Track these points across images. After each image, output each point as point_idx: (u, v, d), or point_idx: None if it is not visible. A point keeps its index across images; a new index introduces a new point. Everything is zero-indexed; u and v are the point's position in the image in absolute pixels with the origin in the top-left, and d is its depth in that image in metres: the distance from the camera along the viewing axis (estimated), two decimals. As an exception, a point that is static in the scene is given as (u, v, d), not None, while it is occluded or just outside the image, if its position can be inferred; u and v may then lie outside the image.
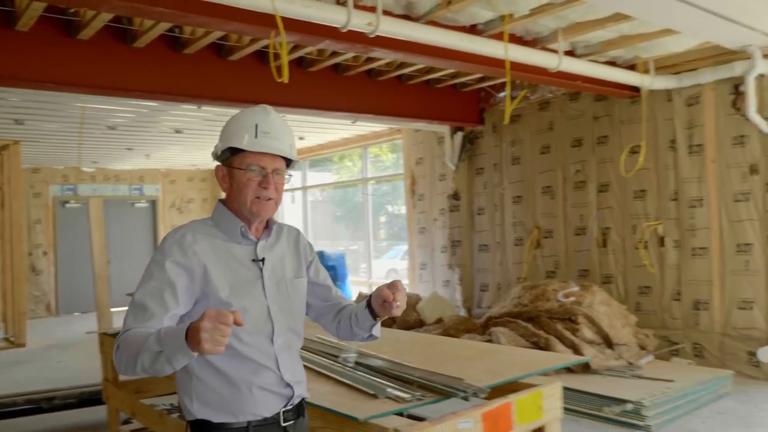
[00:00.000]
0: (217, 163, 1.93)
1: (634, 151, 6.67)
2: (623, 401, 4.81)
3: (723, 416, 4.90)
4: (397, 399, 2.34)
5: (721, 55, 5.90)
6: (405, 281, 9.55)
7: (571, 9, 4.65)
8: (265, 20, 3.73)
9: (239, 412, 1.80)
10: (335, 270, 8.42)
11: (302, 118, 8.16)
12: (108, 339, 4.46)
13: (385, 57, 5.27)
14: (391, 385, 2.49)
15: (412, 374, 2.60)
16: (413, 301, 8.05)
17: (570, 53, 5.86)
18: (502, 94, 7.88)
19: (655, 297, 6.60)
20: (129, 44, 5.37)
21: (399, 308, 1.80)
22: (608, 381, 5.38)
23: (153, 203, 14.02)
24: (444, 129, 8.54)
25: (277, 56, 3.87)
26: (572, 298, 6.11)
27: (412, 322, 7.75)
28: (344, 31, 4.02)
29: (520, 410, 2.39)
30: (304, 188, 12.36)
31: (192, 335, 1.45)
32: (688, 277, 6.33)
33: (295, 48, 5.64)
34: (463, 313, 8.41)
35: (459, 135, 8.47)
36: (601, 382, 5.35)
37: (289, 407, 1.88)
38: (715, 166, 6.12)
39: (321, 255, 8.57)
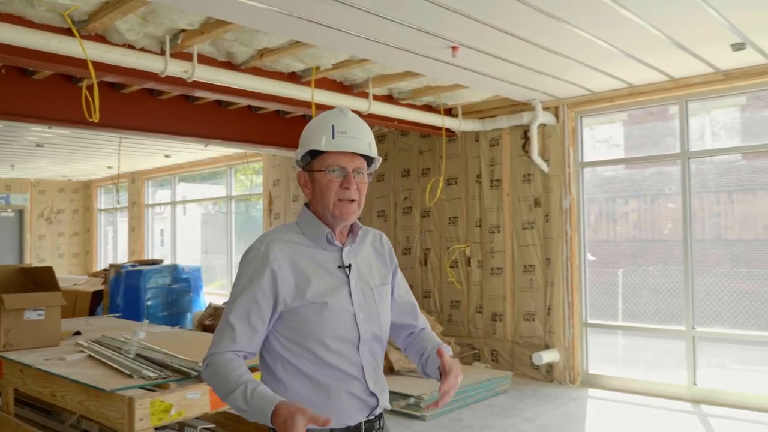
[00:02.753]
0: (299, 170, 1.94)
1: (450, 183, 7.73)
2: (407, 396, 5.71)
3: (491, 408, 5.89)
4: (146, 378, 3.05)
5: (515, 105, 7.03)
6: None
7: (370, 64, 5.55)
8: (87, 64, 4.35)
9: None
10: (189, 282, 8.95)
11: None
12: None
13: (207, 97, 5.97)
14: (148, 367, 3.19)
15: (171, 361, 3.31)
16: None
17: (389, 98, 6.81)
18: (347, 126, 8.75)
19: (463, 310, 7.63)
20: (-23, 69, 5.78)
21: (447, 395, 1.84)
22: (406, 380, 6.26)
23: (20, 213, 13.94)
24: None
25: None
26: (386, 310, 6.99)
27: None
28: (163, 76, 4.70)
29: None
30: (173, 203, 12.77)
31: (280, 422, 1.53)
32: (488, 293, 7.39)
33: (139, 80, 6.23)
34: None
35: (310, 161, 9.27)
36: (400, 381, 6.22)
37: (371, 417, 1.88)
38: (509, 198, 7.23)
39: (175, 268, 9.07)
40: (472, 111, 7.40)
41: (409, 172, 8.22)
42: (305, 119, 8.60)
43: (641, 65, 5.55)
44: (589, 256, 6.89)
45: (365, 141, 1.87)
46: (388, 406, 1.98)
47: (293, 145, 8.57)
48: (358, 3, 3.89)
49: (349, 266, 1.88)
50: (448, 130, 7.39)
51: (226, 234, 11.29)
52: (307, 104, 5.82)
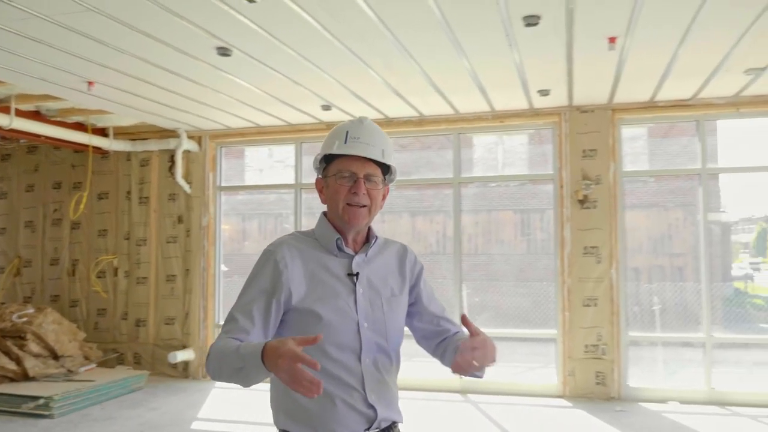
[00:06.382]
0: (318, 176, 1.96)
1: (101, 198, 8.21)
2: (37, 398, 6.09)
3: (122, 403, 6.56)
4: None
5: (164, 132, 7.81)
6: None
7: (11, 84, 5.86)
8: None
9: (320, 426, 1.79)
10: None
11: None
12: None
13: None
14: None
15: None
16: None
17: (36, 114, 7.06)
18: (-4, 134, 8.61)
19: (109, 317, 8.13)
20: None
21: (480, 368, 1.70)
22: (42, 385, 6.58)
23: None
24: (-66, 159, 8.80)
25: None
26: (25, 319, 7.19)
27: None
28: None
29: None
30: None
31: (270, 359, 1.50)
32: (133, 301, 8.03)
33: None
34: (-58, 337, 8.68)
35: (-50, 166, 8.84)
36: (34, 386, 6.52)
37: (375, 430, 1.84)
38: (156, 215, 7.99)
39: None
40: (125, 132, 7.99)
41: (61, 184, 8.45)
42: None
43: (262, 113, 6.82)
44: (223, 267, 8.00)
45: (378, 147, 1.86)
46: (398, 419, 1.93)
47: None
48: (-13, 39, 4.35)
49: (357, 274, 1.87)
50: (100, 148, 7.86)
51: None
52: (-62, 115, 5.88)
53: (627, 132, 6.89)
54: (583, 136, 6.66)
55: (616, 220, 6.57)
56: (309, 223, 7.87)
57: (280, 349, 1.47)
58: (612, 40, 4.45)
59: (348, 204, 1.84)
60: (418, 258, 2.06)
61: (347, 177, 1.84)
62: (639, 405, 6.29)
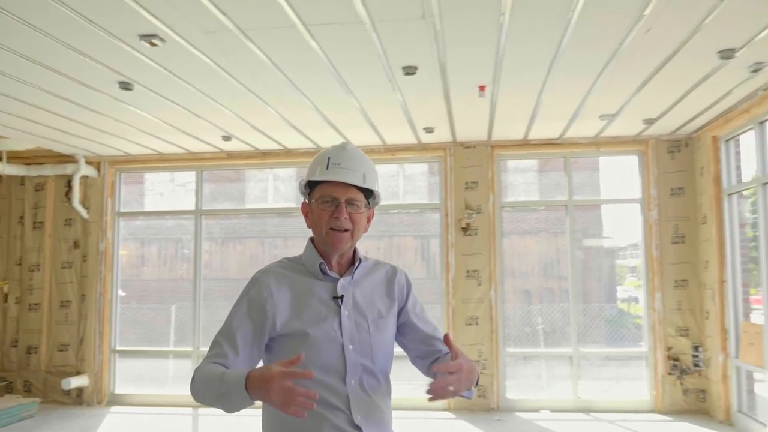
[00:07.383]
0: (304, 201, 2.00)
1: (-8, 222, 8.06)
2: None
3: (10, 431, 6.48)
4: None
5: (61, 157, 7.81)
6: None
7: None
8: None
9: None
10: None
11: None
12: None
13: None
14: None
15: None
16: None
17: (-76, 136, 6.93)
18: None
19: (-2, 344, 7.96)
20: None
21: (455, 393, 1.71)
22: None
23: None
24: None
25: None
26: None
27: None
28: None
29: None
30: None
31: (257, 387, 1.54)
32: (24, 327, 7.89)
33: None
34: None
35: None
36: None
37: None
38: (51, 240, 7.94)
39: None
40: (20, 156, 7.92)
41: (-52, 208, 8.23)
42: None
43: (163, 141, 7.01)
44: (120, 292, 8.03)
45: (359, 173, 1.90)
46: None
47: None
48: None
49: (342, 297, 1.91)
50: (-9, 172, 7.76)
51: None
52: None
53: (521, 164, 7.64)
54: (466, 169, 7.30)
55: (494, 246, 7.21)
56: (209, 248, 8.06)
57: (266, 374, 1.52)
58: (482, 88, 5.05)
59: (331, 228, 1.88)
60: (408, 278, 2.10)
61: (329, 202, 1.88)
62: (515, 414, 6.88)
